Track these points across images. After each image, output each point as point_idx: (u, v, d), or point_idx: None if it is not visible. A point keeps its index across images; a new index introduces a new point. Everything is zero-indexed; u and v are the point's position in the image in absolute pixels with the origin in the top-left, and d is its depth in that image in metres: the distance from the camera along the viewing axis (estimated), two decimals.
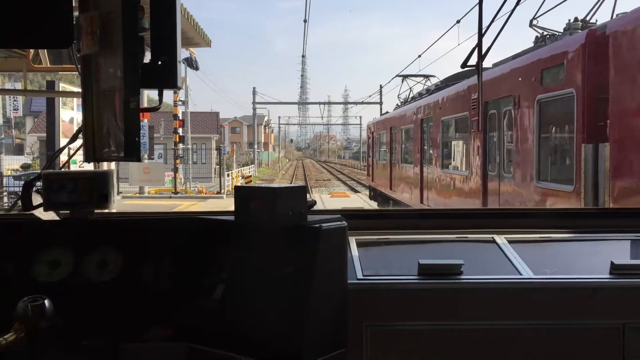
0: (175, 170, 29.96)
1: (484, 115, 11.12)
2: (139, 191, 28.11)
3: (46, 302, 1.70)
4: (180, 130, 31.15)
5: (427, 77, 23.39)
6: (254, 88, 58.94)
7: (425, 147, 16.32)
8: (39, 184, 2.21)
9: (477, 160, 11.69)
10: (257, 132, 67.45)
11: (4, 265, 2.09)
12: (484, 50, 2.77)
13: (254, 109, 59.69)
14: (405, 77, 24.61)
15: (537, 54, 9.39)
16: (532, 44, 10.81)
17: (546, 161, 9.05)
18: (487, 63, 12.80)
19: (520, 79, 9.62)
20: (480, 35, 2.88)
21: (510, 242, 2.41)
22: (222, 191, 29.65)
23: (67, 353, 1.93)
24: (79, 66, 2.00)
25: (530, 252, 2.36)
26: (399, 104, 23.02)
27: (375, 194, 25.67)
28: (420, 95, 18.95)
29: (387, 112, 25.65)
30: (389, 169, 21.78)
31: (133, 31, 1.70)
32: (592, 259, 2.36)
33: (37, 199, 2.22)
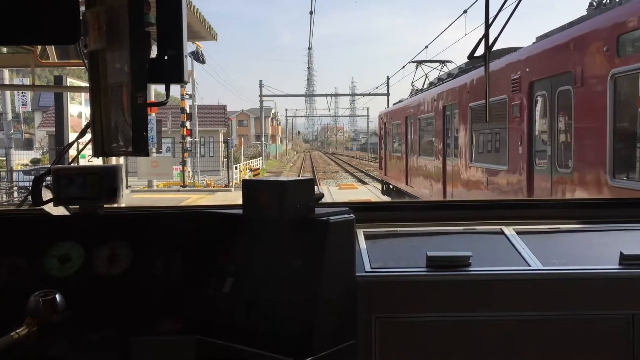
0: (184, 163, 30.03)
1: (529, 98, 9.28)
2: (147, 185, 28.21)
3: (57, 296, 1.72)
4: (187, 124, 31.19)
5: (443, 62, 21.43)
6: (260, 81, 58.92)
7: (450, 138, 14.31)
8: (48, 179, 2.23)
9: (519, 152, 9.70)
10: (265, 125, 67.47)
11: (15, 260, 2.11)
12: (491, 41, 2.74)
13: (261, 101, 59.68)
14: (419, 63, 22.49)
15: (611, 16, 7.33)
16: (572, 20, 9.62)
17: (625, 153, 7.08)
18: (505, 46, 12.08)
19: (583, 50, 7.64)
20: (488, 25, 2.86)
21: (519, 233, 2.41)
22: (230, 184, 29.70)
23: (78, 346, 1.95)
24: (86, 62, 2.01)
25: (539, 243, 2.35)
26: (414, 92, 21.18)
27: (388, 189, 24.11)
28: (441, 80, 16.98)
29: (400, 101, 23.39)
30: (404, 162, 19.94)
31: (139, 26, 1.71)
32: (601, 250, 2.35)
33: (47, 194, 2.23)
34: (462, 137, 13.07)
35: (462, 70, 14.63)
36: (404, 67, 25.68)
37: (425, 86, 20.10)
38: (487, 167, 11.70)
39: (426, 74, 21.50)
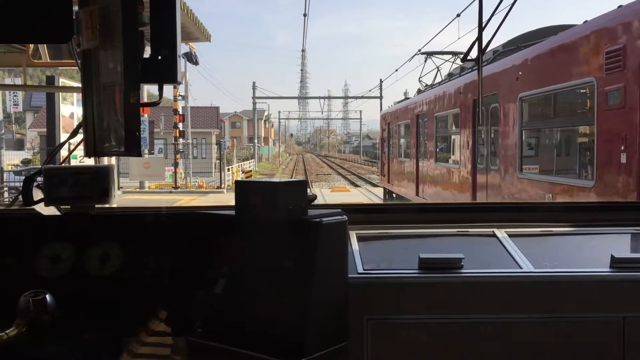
0: (176, 165, 29.95)
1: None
2: (139, 186, 28.10)
3: (47, 296, 1.71)
4: (180, 125, 31.11)
5: (457, 54, 18.28)
6: (253, 83, 58.90)
7: (483, 141, 11.27)
8: (39, 179, 2.21)
9: (621, 160, 6.53)
10: (257, 127, 67.38)
11: (5, 260, 2.09)
12: (484, 44, 2.75)
13: (254, 103, 59.64)
14: (429, 54, 19.10)
15: None
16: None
17: None
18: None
19: None
20: (481, 28, 2.88)
21: (511, 236, 2.41)
22: (223, 186, 29.63)
23: (69, 347, 1.93)
24: (78, 61, 2.00)
25: (531, 246, 2.36)
26: (423, 88, 18.46)
27: (391, 198, 21.13)
28: (463, 71, 13.80)
29: (407, 98, 20.61)
30: (414, 168, 16.94)
31: (133, 26, 1.70)
32: (592, 253, 2.36)
33: (38, 194, 2.22)
34: (506, 139, 9.76)
35: (500, 53, 11.16)
36: (411, 58, 21.64)
37: (434, 82, 17.43)
38: (552, 180, 8.29)
39: (438, 67, 18.48)
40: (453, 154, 13.47)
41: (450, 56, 18.02)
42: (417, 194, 16.70)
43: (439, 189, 14.41)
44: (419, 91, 18.70)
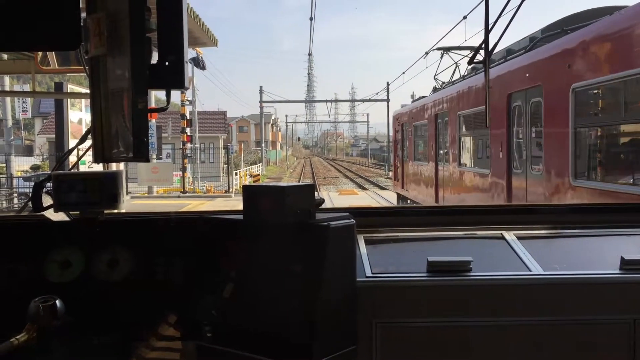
0: (184, 169, 30.04)
1: None
2: (147, 191, 28.21)
3: (57, 302, 1.72)
4: (188, 130, 31.22)
5: (476, 49, 16.10)
6: (260, 87, 59.02)
7: (522, 142, 9.49)
8: (49, 185, 2.23)
9: None
10: (265, 131, 67.51)
11: (15, 266, 2.11)
12: (490, 46, 2.75)
13: (261, 107, 59.77)
14: (446, 50, 17.20)
15: None
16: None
17: None
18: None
19: None
20: (487, 31, 2.87)
21: (519, 238, 2.40)
22: (230, 190, 29.70)
23: (79, 352, 1.94)
24: (87, 68, 2.02)
25: (540, 248, 2.35)
26: (439, 86, 16.88)
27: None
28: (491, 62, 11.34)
29: (422, 97, 18.52)
30: (433, 173, 15.36)
31: (140, 32, 1.71)
32: (602, 255, 2.35)
33: (47, 200, 2.23)
34: (555, 139, 8.20)
35: (541, 40, 9.49)
36: (426, 54, 19.14)
37: (452, 78, 15.71)
38: (621, 190, 6.90)
39: (456, 63, 16.59)
40: (481, 157, 11.85)
41: (468, 51, 15.84)
42: (436, 200, 15.12)
43: (463, 195, 12.90)
44: (435, 90, 16.94)
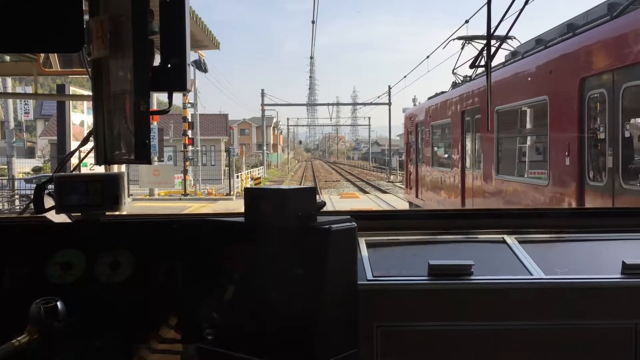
0: (185, 172, 30.06)
1: None
2: (149, 193, 28.23)
3: (59, 303, 1.72)
4: (189, 133, 31.25)
5: (506, 38, 11.85)
6: (262, 90, 59.04)
7: (608, 145, 7.04)
8: (50, 186, 2.23)
9: None
10: (266, 134, 67.52)
11: (17, 268, 2.11)
12: (492, 50, 2.75)
13: (263, 110, 59.78)
14: (468, 39, 14.77)
15: None
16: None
17: None
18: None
19: None
20: (489, 35, 2.88)
21: (521, 242, 2.40)
22: (232, 193, 29.71)
23: (80, 354, 1.94)
24: (89, 70, 2.02)
25: (541, 252, 2.35)
26: (459, 81, 14.65)
27: None
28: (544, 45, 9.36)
29: (442, 92, 15.92)
30: (459, 181, 12.94)
31: (143, 35, 1.72)
32: (603, 259, 2.34)
33: (49, 202, 2.24)
34: None
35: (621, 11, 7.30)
36: (445, 45, 16.46)
37: (473, 68, 12.81)
38: None
39: (481, 51, 11.79)
40: (532, 163, 9.52)
41: (494, 41, 13.36)
42: None
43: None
44: (455, 85, 14.68)
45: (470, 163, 12.42)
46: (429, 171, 16.33)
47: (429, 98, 17.39)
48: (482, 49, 2.85)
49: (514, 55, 11.03)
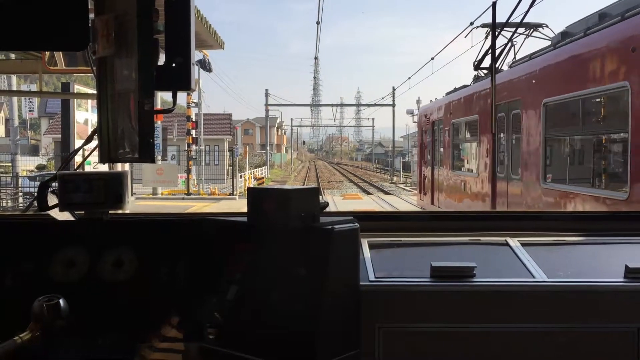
0: (189, 171, 30.07)
1: None
2: (152, 192, 28.26)
3: (61, 301, 1.72)
4: (193, 132, 31.26)
5: (535, 26, 11.92)
6: (266, 90, 59.08)
7: None
8: (54, 184, 2.24)
9: None
10: (270, 134, 67.58)
11: (20, 265, 2.12)
12: (497, 52, 2.75)
13: (267, 110, 59.79)
14: (500, 27, 10.55)
15: None
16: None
17: None
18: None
19: None
20: (494, 37, 2.87)
21: (524, 245, 2.40)
22: (235, 192, 29.73)
23: (82, 351, 1.95)
24: (94, 68, 2.03)
25: (544, 255, 2.34)
26: (481, 74, 12.40)
27: None
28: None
29: (464, 86, 13.85)
30: (488, 189, 10.90)
31: (148, 34, 1.72)
32: (606, 263, 2.34)
33: (52, 200, 2.24)
34: None
35: None
36: (466, 33, 14.47)
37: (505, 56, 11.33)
38: None
39: (511, 40, 11.32)
40: (605, 170, 7.54)
41: (524, 29, 11.74)
42: None
43: None
44: (477, 78, 12.87)
45: (503, 168, 10.47)
46: (449, 175, 14.26)
47: (448, 93, 15.26)
48: (487, 50, 2.85)
49: (563, 36, 8.93)
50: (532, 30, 11.78)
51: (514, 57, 11.80)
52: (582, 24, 8.47)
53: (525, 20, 8.34)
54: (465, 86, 13.80)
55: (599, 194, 7.29)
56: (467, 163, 13.11)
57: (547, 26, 11.62)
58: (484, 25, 13.34)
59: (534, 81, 9.04)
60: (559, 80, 8.20)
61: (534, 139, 8.87)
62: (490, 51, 2.69)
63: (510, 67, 11.40)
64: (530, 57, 9.85)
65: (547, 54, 8.99)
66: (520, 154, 9.57)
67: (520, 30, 11.47)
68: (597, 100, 7.49)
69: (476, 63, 10.47)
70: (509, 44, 11.49)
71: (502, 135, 10.62)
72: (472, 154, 12.64)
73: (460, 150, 13.77)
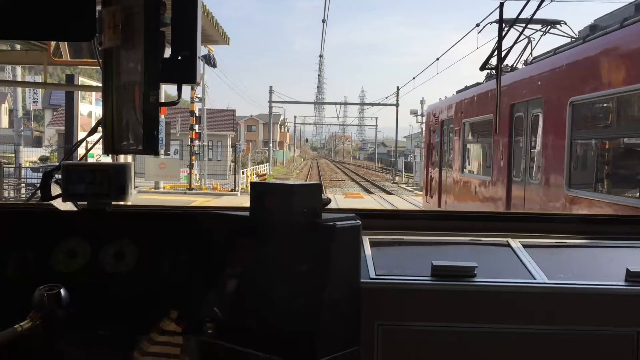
0: (191, 166, 30.08)
1: None
2: (154, 186, 28.28)
3: (62, 291, 1.73)
4: (196, 127, 31.27)
5: (553, 23, 10.85)
6: (270, 87, 58.96)
7: None
8: (58, 174, 2.24)
9: None
10: (273, 131, 67.59)
11: (22, 254, 2.12)
12: (503, 53, 2.75)
13: (270, 107, 59.74)
14: (509, 24, 8.84)
15: None
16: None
17: None
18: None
19: None
20: (500, 37, 2.87)
21: (525, 246, 2.40)
22: (237, 188, 29.74)
23: (81, 341, 1.95)
24: (100, 59, 2.03)
25: (545, 257, 2.34)
26: (491, 73, 10.75)
27: None
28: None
29: (474, 85, 13.05)
30: (503, 194, 10.05)
31: (154, 26, 1.72)
32: (607, 266, 2.34)
33: (55, 190, 2.25)
34: None
35: None
36: (480, 29, 13.43)
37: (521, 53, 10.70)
38: None
39: (529, 37, 10.93)
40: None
41: (540, 25, 10.81)
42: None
43: None
44: (489, 76, 12.00)
45: (520, 172, 9.54)
46: (459, 178, 13.32)
47: (459, 91, 14.29)
48: (493, 50, 2.85)
49: (592, 29, 8.18)
50: (549, 27, 10.81)
51: (531, 54, 10.98)
52: (615, 17, 7.70)
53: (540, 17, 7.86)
54: (478, 84, 12.75)
55: (636, 205, 6.35)
56: (479, 165, 12.31)
57: (565, 23, 10.64)
58: (493, 22, 11.43)
59: (559, 78, 8.16)
60: (590, 77, 7.24)
61: (558, 140, 7.88)
62: (496, 51, 2.70)
63: (527, 64, 10.62)
64: (555, 52, 8.96)
65: (575, 48, 8.13)
66: (542, 157, 8.52)
67: (537, 27, 10.70)
68: (637, 98, 6.53)
69: (483, 62, 9.87)
70: (526, 41, 10.89)
71: (520, 136, 9.61)
72: (484, 155, 11.86)
73: (472, 151, 12.89)
